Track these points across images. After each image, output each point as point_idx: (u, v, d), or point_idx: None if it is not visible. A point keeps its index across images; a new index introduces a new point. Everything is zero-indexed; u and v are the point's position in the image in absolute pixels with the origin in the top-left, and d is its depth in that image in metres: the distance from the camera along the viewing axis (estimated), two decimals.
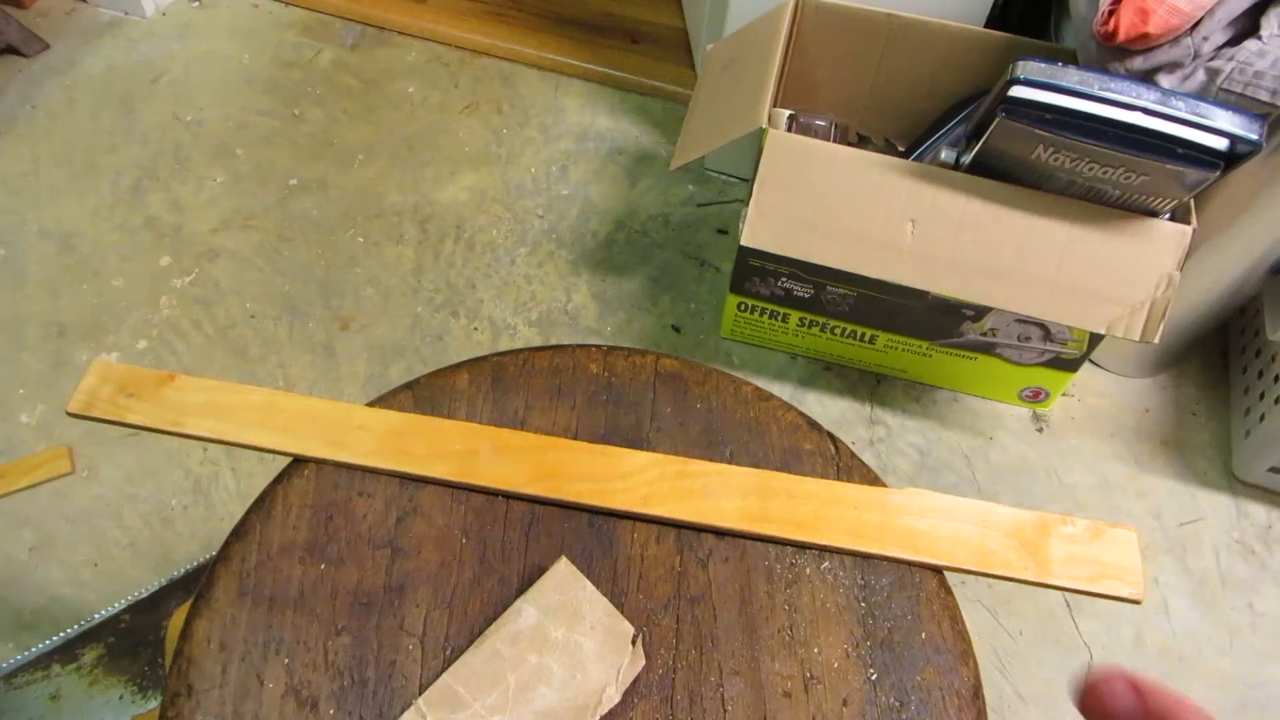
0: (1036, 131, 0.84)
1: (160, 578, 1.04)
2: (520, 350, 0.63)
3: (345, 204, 1.40)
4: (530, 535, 0.55)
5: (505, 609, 0.51)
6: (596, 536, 0.55)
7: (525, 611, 0.50)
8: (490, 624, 0.51)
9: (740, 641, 0.51)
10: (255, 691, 0.49)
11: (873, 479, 0.58)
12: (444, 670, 0.49)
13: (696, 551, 0.55)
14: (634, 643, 0.49)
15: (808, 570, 0.54)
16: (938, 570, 0.54)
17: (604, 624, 0.50)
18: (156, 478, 1.11)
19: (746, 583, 0.53)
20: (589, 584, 0.51)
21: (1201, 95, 0.84)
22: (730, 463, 0.58)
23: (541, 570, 0.52)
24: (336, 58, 1.60)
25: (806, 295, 1.13)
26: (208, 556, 1.05)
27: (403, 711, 0.48)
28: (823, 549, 0.55)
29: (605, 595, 0.51)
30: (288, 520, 0.54)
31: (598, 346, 0.64)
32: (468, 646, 0.50)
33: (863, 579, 0.54)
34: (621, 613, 0.51)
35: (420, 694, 0.48)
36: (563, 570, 0.51)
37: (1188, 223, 0.92)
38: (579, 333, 1.27)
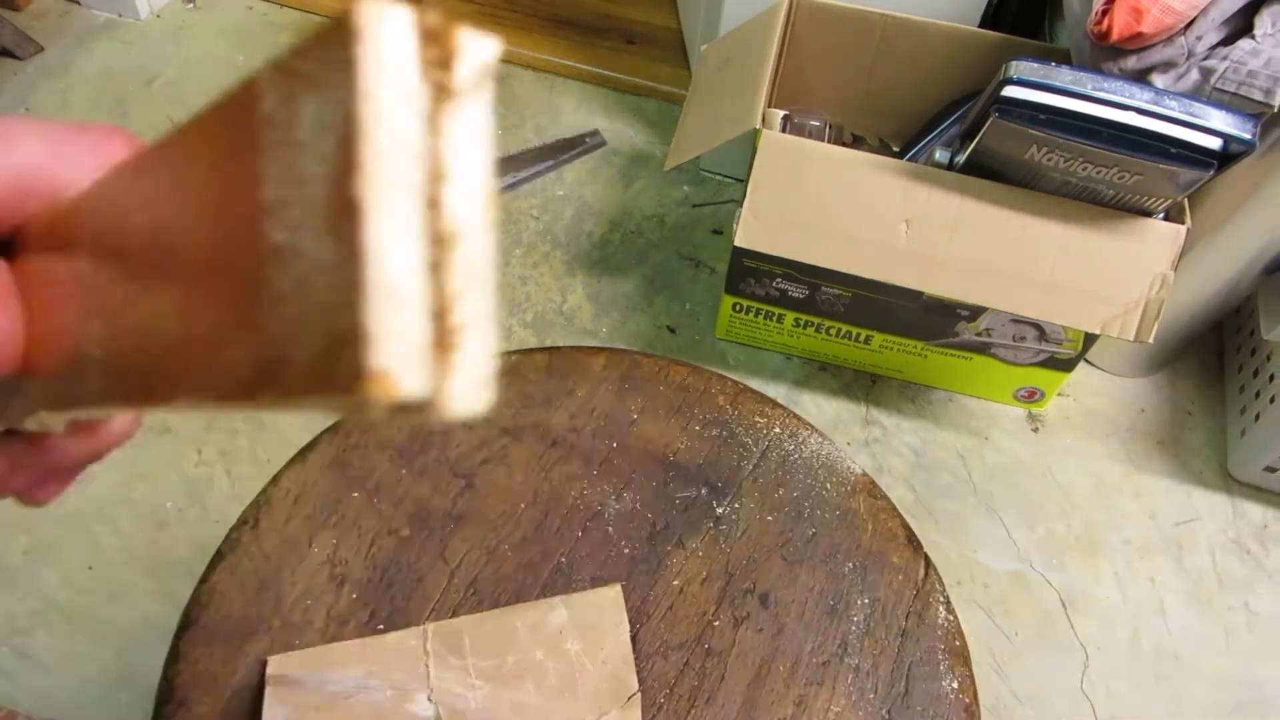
0: (1030, 131, 0.84)
1: (154, 580, 1.03)
2: (657, 357, 0.64)
3: None
4: (587, 525, 0.56)
5: (537, 582, 0.52)
6: (648, 549, 0.55)
7: (557, 610, 0.50)
8: (517, 590, 0.52)
9: (736, 712, 0.51)
10: (301, 549, 0.53)
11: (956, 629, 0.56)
12: (459, 610, 0.50)
13: (735, 608, 0.54)
14: (630, 700, 0.49)
15: (836, 677, 0.53)
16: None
17: (616, 667, 0.50)
18: (151, 480, 1.11)
19: (770, 660, 0.53)
20: (626, 623, 0.51)
21: (1195, 95, 0.84)
22: (806, 546, 0.57)
23: (586, 562, 0.53)
24: None
25: (801, 296, 1.13)
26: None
27: (410, 626, 0.49)
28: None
29: (629, 610, 0.51)
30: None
31: (733, 382, 0.64)
32: (489, 597, 0.51)
33: (888, 713, 0.52)
34: (636, 634, 0.51)
35: (431, 619, 0.49)
36: (611, 596, 0.51)
37: (1182, 222, 0.92)
38: (574, 334, 1.27)
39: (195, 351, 0.13)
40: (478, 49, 0.10)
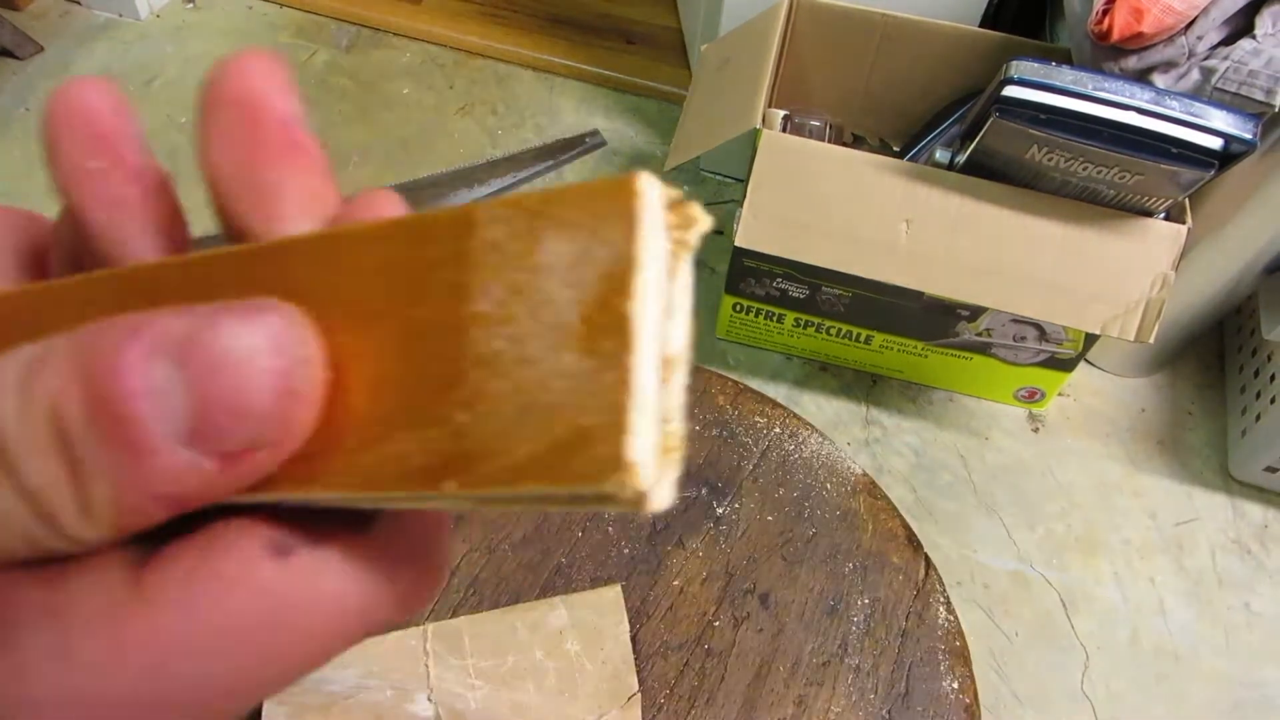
0: (1030, 131, 0.83)
1: None
2: None
3: None
4: (587, 526, 0.55)
5: (537, 582, 0.51)
6: (648, 549, 0.55)
7: (557, 610, 0.50)
8: (517, 590, 0.51)
9: (736, 713, 0.51)
10: None
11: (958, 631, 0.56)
12: (459, 610, 0.50)
13: (735, 608, 0.54)
14: (630, 700, 0.49)
15: (836, 677, 0.53)
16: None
17: (616, 667, 0.50)
18: None
19: (770, 661, 0.52)
20: (626, 623, 0.51)
21: (1196, 95, 0.84)
22: (806, 546, 0.57)
23: (586, 562, 0.52)
24: (331, 59, 1.60)
25: (802, 296, 1.13)
26: None
27: (410, 626, 0.49)
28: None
29: (629, 610, 0.51)
30: None
31: (733, 382, 0.64)
32: (489, 597, 0.51)
33: (888, 713, 0.52)
34: (636, 634, 0.51)
35: (431, 619, 0.49)
36: (611, 596, 0.51)
37: (1182, 222, 0.92)
38: None
39: (339, 435, 0.14)
40: (704, 219, 0.13)
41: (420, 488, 0.13)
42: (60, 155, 0.16)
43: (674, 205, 0.13)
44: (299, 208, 0.16)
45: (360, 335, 0.14)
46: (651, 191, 0.12)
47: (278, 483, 0.14)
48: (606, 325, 0.12)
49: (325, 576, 0.14)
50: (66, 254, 0.18)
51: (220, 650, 0.13)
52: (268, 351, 0.13)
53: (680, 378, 0.13)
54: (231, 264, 0.15)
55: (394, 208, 0.17)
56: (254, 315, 0.13)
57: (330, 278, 0.14)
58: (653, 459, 0.12)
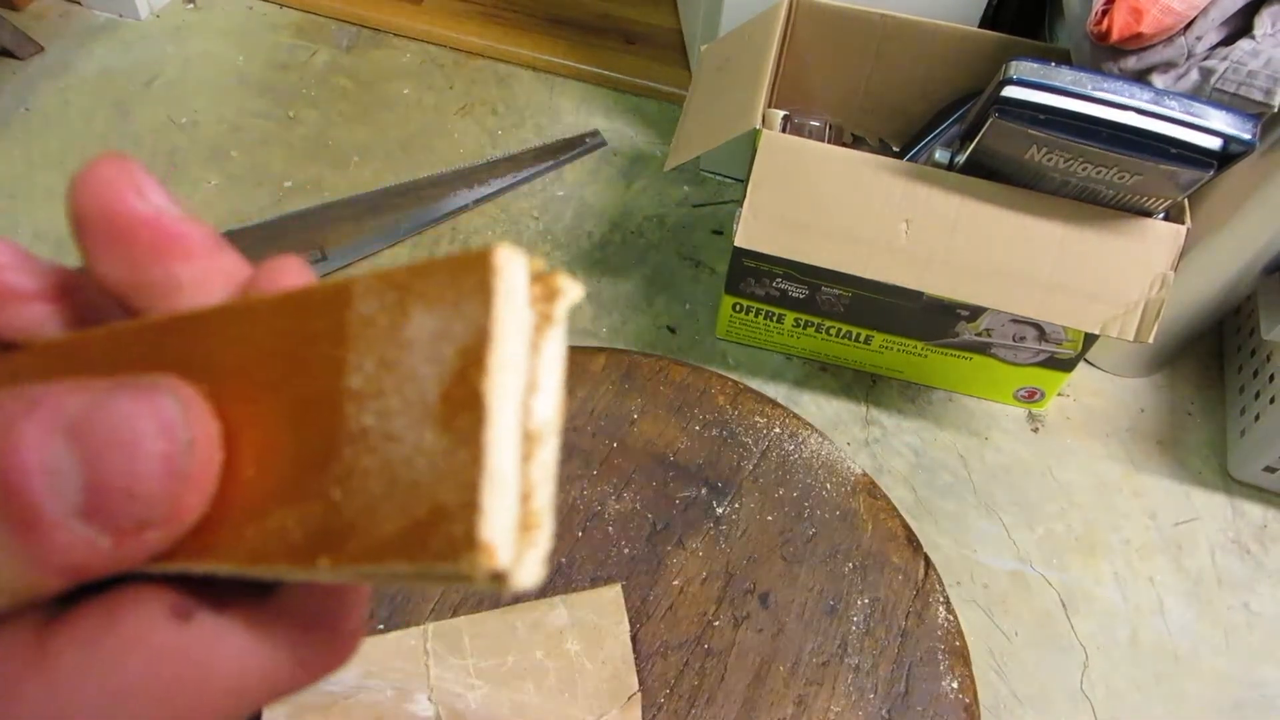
0: (1030, 132, 0.84)
1: None
2: (657, 357, 0.64)
3: None
4: (587, 526, 0.55)
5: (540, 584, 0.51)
6: (648, 549, 0.55)
7: (558, 610, 0.50)
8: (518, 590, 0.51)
9: (736, 713, 0.51)
10: None
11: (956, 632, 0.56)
12: (459, 609, 0.50)
13: (735, 608, 0.54)
14: (630, 700, 0.49)
15: (836, 677, 0.53)
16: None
17: (616, 667, 0.50)
18: None
19: (770, 661, 0.52)
20: (626, 623, 0.51)
21: (1195, 95, 0.84)
22: (806, 546, 0.57)
23: (586, 562, 0.53)
24: (331, 59, 1.60)
25: (801, 296, 1.13)
26: None
27: (410, 625, 0.49)
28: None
29: (629, 610, 0.51)
30: None
31: (733, 382, 0.64)
32: (489, 597, 0.51)
33: (888, 713, 0.52)
34: (636, 634, 0.51)
35: (431, 619, 0.49)
36: (611, 596, 0.51)
37: (1182, 222, 0.92)
38: (573, 334, 1.27)
39: (230, 510, 0.14)
40: (571, 290, 0.13)
41: (297, 563, 0.13)
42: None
43: (539, 277, 0.13)
44: (199, 291, 0.17)
45: (253, 407, 0.14)
46: (511, 265, 0.12)
47: (174, 555, 0.14)
48: (463, 401, 0.12)
49: (225, 641, 0.14)
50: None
51: (119, 712, 0.14)
52: (154, 433, 0.13)
53: (547, 452, 0.13)
54: (140, 336, 0.16)
55: (298, 274, 0.17)
56: (143, 394, 0.13)
57: (228, 350, 0.15)
58: (510, 538, 0.12)
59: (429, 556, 0.12)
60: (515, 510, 0.12)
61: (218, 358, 0.15)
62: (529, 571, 0.12)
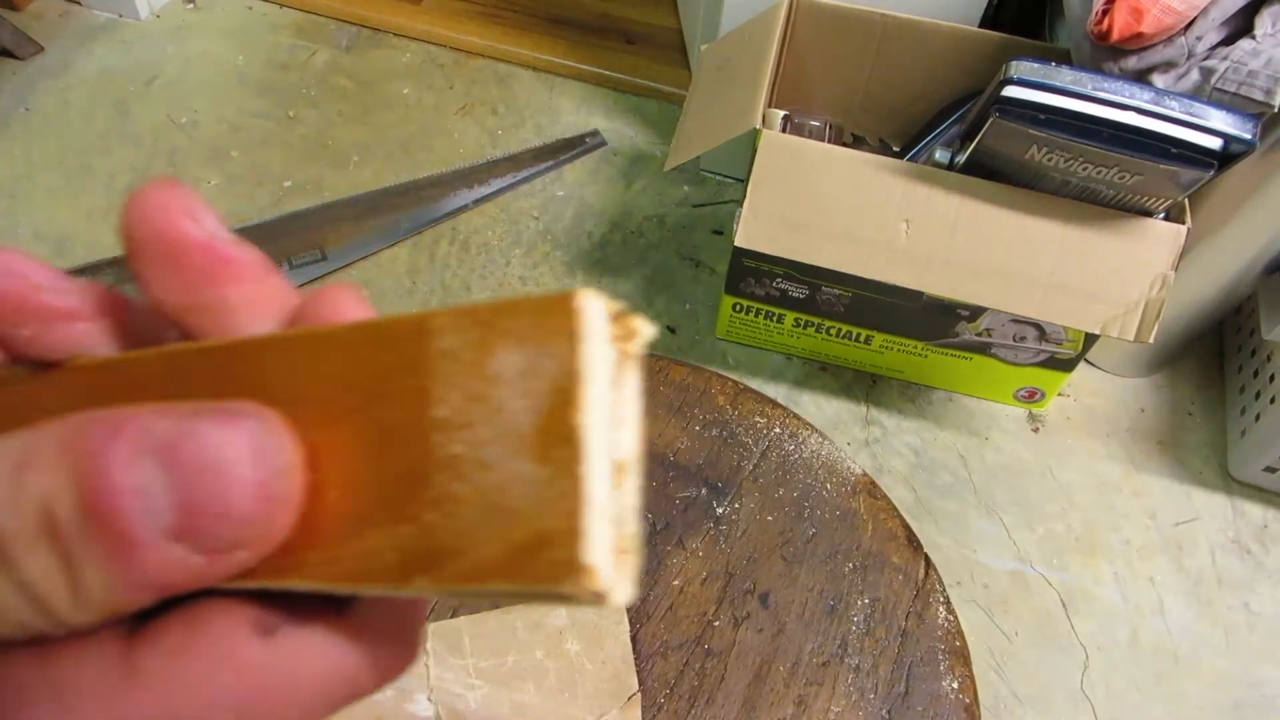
0: (1030, 131, 0.84)
1: None
2: (657, 357, 0.64)
3: None
4: None
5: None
6: (648, 549, 0.55)
7: (557, 610, 0.50)
8: None
9: (736, 713, 0.50)
10: None
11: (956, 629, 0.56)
12: (459, 609, 0.50)
13: (736, 608, 0.54)
14: (630, 700, 0.49)
15: (836, 677, 0.53)
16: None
17: (616, 666, 0.50)
18: None
19: (770, 661, 0.52)
20: (626, 623, 0.51)
21: (1195, 95, 0.84)
22: (806, 546, 0.57)
23: None
24: (331, 59, 1.60)
25: (801, 296, 1.13)
26: None
27: None
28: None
29: (630, 610, 0.51)
30: None
31: (733, 382, 0.64)
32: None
33: (888, 713, 0.52)
34: (636, 634, 0.51)
35: (431, 619, 0.49)
36: None
37: (1182, 222, 0.92)
38: None
39: (314, 530, 0.14)
40: (645, 330, 0.14)
41: (395, 582, 0.14)
42: None
43: (617, 317, 0.14)
44: (250, 315, 0.17)
45: (332, 433, 0.15)
46: (593, 307, 0.13)
47: (258, 573, 0.14)
48: (558, 435, 0.13)
49: (308, 654, 0.15)
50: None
51: None
52: (248, 459, 0.14)
53: (632, 482, 0.13)
54: (205, 360, 0.16)
55: (357, 305, 0.17)
56: (233, 421, 0.14)
57: (301, 378, 0.15)
58: (609, 561, 0.13)
59: (533, 579, 0.13)
60: (611, 535, 0.13)
61: (288, 384, 0.15)
62: (624, 591, 0.13)
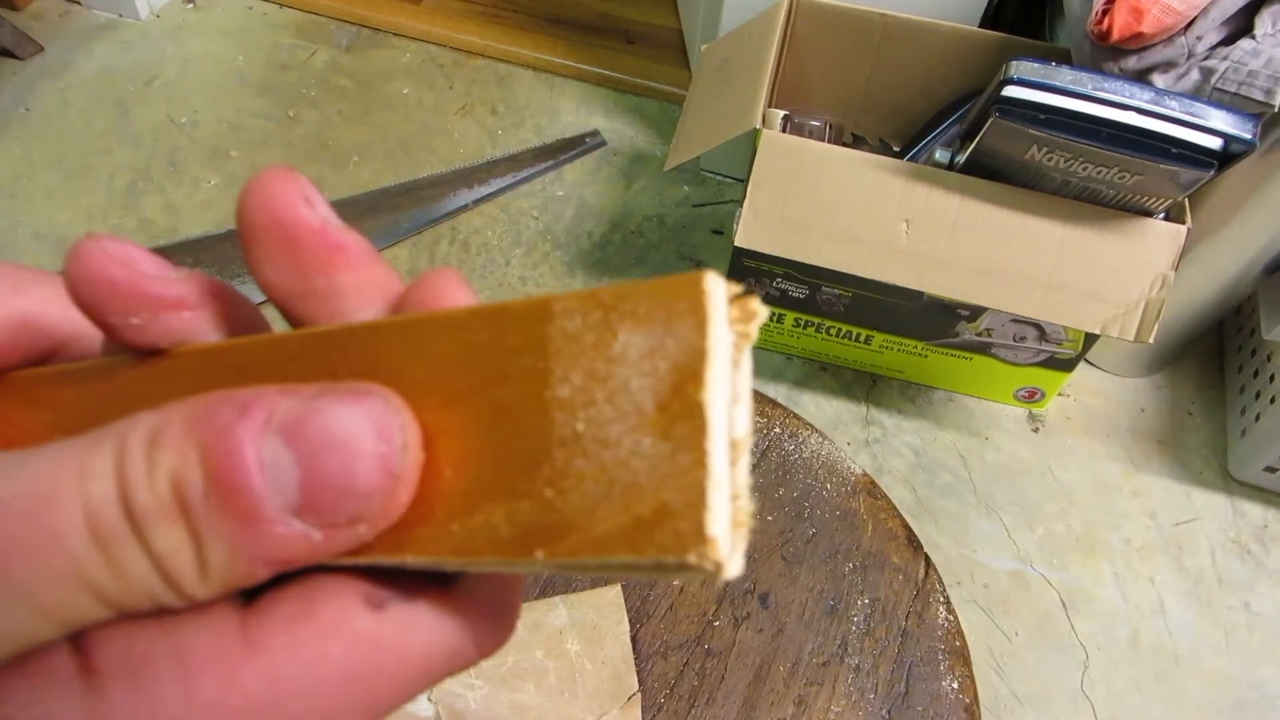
0: (1030, 131, 0.84)
1: None
2: None
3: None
4: None
5: (537, 582, 0.51)
6: None
7: (557, 610, 0.50)
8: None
9: (736, 713, 0.50)
10: None
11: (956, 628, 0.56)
12: None
13: (735, 608, 0.54)
14: (630, 700, 0.49)
15: (836, 677, 0.52)
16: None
17: (616, 666, 0.50)
18: None
19: (770, 661, 0.52)
20: (626, 623, 0.51)
21: (1195, 95, 0.84)
22: (806, 546, 0.57)
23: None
24: (331, 59, 1.60)
25: (802, 296, 1.13)
26: None
27: None
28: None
29: (629, 610, 0.51)
30: None
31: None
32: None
33: (888, 713, 0.52)
34: (636, 634, 0.51)
35: None
36: (611, 596, 0.51)
37: (1182, 222, 0.92)
38: None
39: (428, 507, 0.15)
40: (762, 311, 0.14)
41: (511, 556, 0.14)
42: (101, 315, 0.17)
43: (736, 300, 0.14)
44: (359, 300, 0.18)
45: (446, 413, 0.15)
46: (718, 289, 0.14)
47: (373, 549, 0.15)
48: (682, 412, 0.13)
49: (416, 627, 0.16)
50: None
51: (321, 690, 0.15)
52: (372, 435, 0.14)
53: (746, 459, 0.14)
54: (319, 344, 0.17)
55: (461, 289, 0.18)
56: (358, 399, 0.14)
57: (416, 360, 0.16)
58: (728, 533, 0.13)
59: (657, 549, 0.13)
60: (729, 508, 0.13)
61: (402, 367, 0.16)
62: (738, 562, 0.13)
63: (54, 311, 0.19)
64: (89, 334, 0.19)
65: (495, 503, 0.14)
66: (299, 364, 0.17)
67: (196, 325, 0.18)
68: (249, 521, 0.14)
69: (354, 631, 0.15)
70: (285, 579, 0.15)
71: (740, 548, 0.13)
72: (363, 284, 0.18)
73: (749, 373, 0.14)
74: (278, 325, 0.19)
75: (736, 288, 0.14)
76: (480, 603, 0.17)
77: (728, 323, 0.14)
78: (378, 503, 0.14)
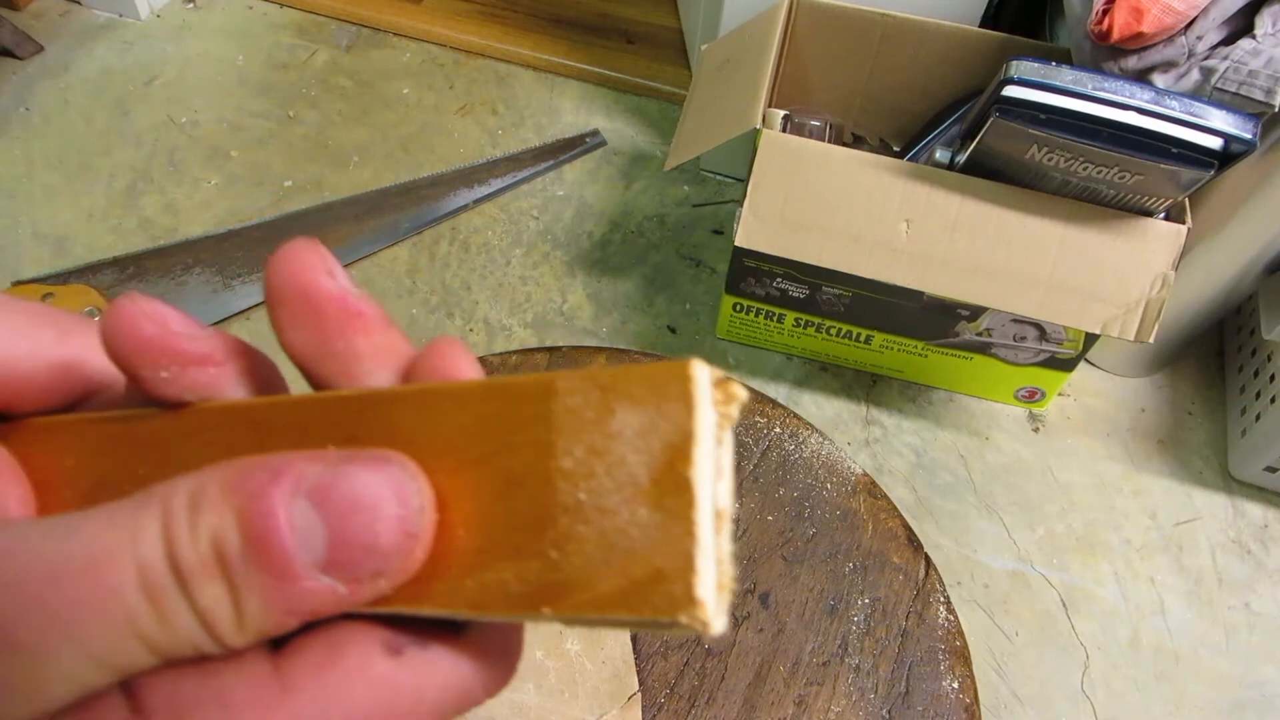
0: (1030, 131, 0.83)
1: None
2: (656, 356, 0.63)
3: None
4: None
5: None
6: None
7: None
8: None
9: (736, 713, 0.50)
10: None
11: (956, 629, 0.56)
12: None
13: (736, 608, 0.54)
14: (630, 700, 0.49)
15: (836, 676, 0.52)
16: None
17: (616, 667, 0.49)
18: None
19: (770, 660, 0.52)
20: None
21: (1196, 95, 0.84)
22: (806, 546, 0.57)
23: None
24: (331, 59, 1.60)
25: (802, 296, 1.13)
26: None
27: None
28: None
29: None
30: None
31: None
32: None
33: (888, 713, 0.52)
34: (636, 634, 0.51)
35: None
36: None
37: (1182, 222, 0.92)
38: (574, 334, 1.27)
39: (443, 563, 0.16)
40: (742, 394, 0.15)
41: (520, 611, 0.16)
42: (133, 370, 0.19)
43: (720, 384, 0.15)
44: (373, 363, 0.19)
45: (458, 478, 0.17)
46: (703, 375, 0.15)
47: (391, 600, 0.17)
48: (672, 487, 0.15)
49: (431, 671, 0.17)
50: None
51: None
52: (392, 500, 0.16)
53: (728, 527, 0.15)
54: (340, 407, 0.18)
55: (467, 358, 0.19)
56: (379, 466, 0.16)
57: (430, 428, 0.17)
58: (714, 595, 0.14)
59: (651, 610, 0.14)
60: (715, 573, 0.15)
61: (417, 433, 0.17)
62: (722, 621, 0.15)
63: (93, 359, 0.21)
64: (119, 381, 0.21)
65: (505, 561, 0.16)
66: (319, 425, 0.18)
67: (220, 380, 0.19)
68: (281, 577, 0.15)
69: (375, 676, 0.16)
70: (311, 626, 0.17)
71: (724, 608, 0.15)
72: (378, 348, 0.19)
73: (730, 449, 0.15)
74: (296, 383, 0.21)
75: (719, 373, 0.15)
76: (488, 647, 0.18)
77: (712, 405, 0.15)
78: (397, 560, 0.16)
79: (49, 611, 0.15)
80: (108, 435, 0.20)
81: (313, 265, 0.19)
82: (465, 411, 0.17)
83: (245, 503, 0.15)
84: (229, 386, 0.20)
